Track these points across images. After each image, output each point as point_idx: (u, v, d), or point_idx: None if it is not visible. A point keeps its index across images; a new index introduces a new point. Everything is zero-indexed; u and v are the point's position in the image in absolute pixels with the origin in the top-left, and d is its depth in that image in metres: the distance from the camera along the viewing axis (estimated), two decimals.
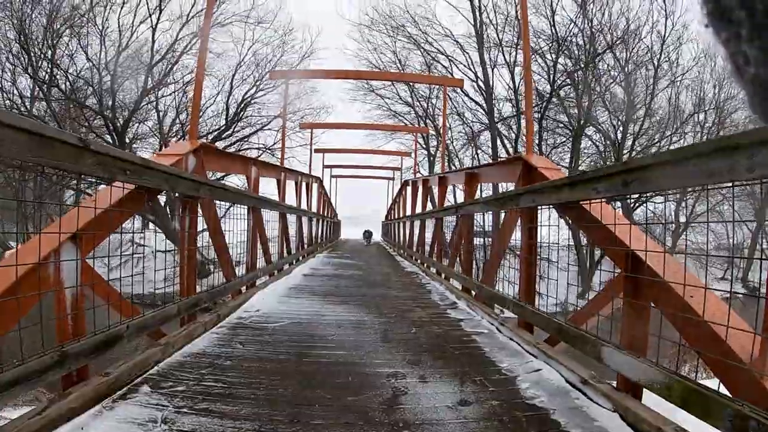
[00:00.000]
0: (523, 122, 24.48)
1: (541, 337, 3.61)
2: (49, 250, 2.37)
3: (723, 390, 1.88)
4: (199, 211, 4.28)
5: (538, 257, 4.21)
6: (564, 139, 25.67)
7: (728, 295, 1.99)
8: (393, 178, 27.64)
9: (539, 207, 3.90)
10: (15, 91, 21.86)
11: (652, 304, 2.42)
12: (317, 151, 21.88)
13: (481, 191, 6.90)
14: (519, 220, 4.39)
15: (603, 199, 2.98)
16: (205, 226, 4.81)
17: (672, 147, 21.15)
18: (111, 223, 2.89)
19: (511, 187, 5.05)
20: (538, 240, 4.08)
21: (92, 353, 2.50)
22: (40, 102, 22.51)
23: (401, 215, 16.18)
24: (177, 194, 3.90)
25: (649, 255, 2.41)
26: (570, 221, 3.62)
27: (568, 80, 25.10)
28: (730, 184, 1.93)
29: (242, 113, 26.06)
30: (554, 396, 2.63)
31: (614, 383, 2.54)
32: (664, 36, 23.98)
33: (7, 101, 21.26)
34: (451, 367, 3.20)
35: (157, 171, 3.21)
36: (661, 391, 2.07)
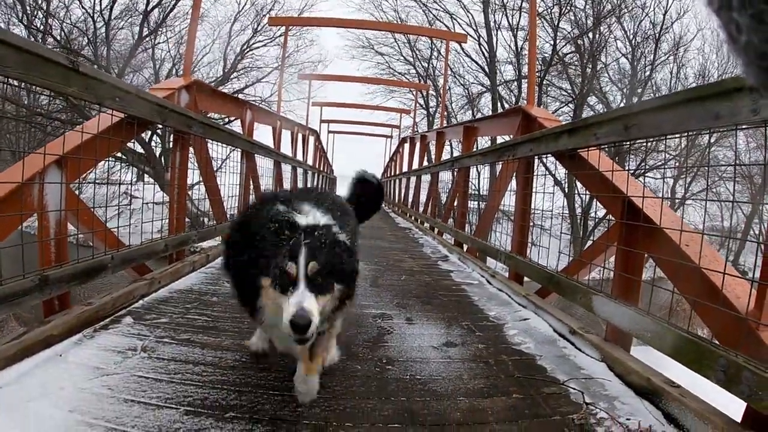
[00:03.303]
0: (525, 84, 24.21)
1: (531, 290, 3.58)
2: (34, 173, 2.30)
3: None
4: (191, 151, 4.19)
5: (531, 223, 4.16)
6: (563, 106, 25.32)
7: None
8: (391, 137, 27.34)
9: (536, 156, 3.83)
10: None
11: (647, 254, 2.37)
12: (315, 104, 21.52)
13: (477, 147, 6.79)
14: (515, 172, 4.33)
15: (601, 147, 2.92)
16: (198, 171, 4.73)
17: None
18: (98, 152, 2.79)
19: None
20: (532, 207, 4.03)
21: (74, 280, 2.46)
22: None
23: (398, 173, 16.09)
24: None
25: (645, 204, 2.35)
26: (568, 171, 3.55)
27: (571, 46, 24.62)
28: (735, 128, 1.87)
29: (239, 63, 25.58)
30: (542, 344, 2.61)
31: (603, 334, 2.52)
32: (667, 6, 23.40)
33: None
34: (438, 312, 3.18)
35: (147, 101, 3.12)
36: (652, 341, 2.03)
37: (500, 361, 2.34)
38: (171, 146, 3.90)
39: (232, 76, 25.33)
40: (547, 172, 3.74)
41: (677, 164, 20.60)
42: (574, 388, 2.04)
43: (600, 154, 2.96)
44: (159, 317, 2.70)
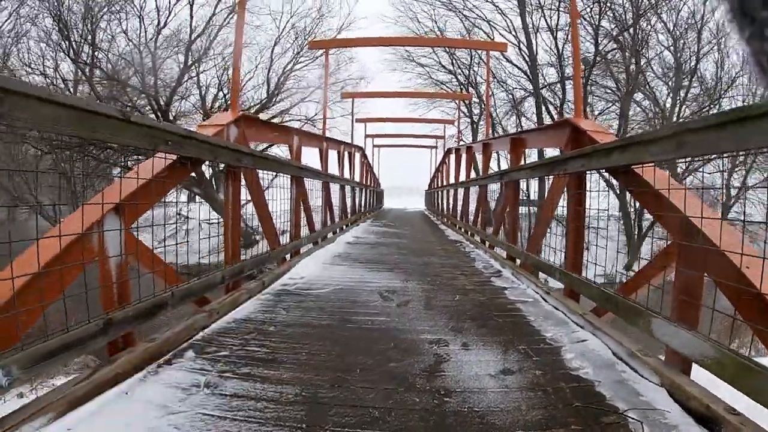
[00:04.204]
0: (569, 86, 23.81)
1: (587, 307, 3.50)
2: (93, 221, 2.41)
3: None
4: (243, 181, 4.30)
5: (585, 226, 4.08)
6: (611, 105, 24.77)
7: None
8: (436, 147, 27.34)
9: (588, 172, 3.76)
10: (58, 76, 22.31)
11: (706, 275, 2.29)
12: (359, 120, 21.78)
13: (525, 158, 6.70)
14: (566, 187, 4.26)
15: (654, 164, 2.84)
16: (249, 197, 4.85)
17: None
18: (153, 194, 2.91)
19: (557, 152, 4.90)
20: (586, 207, 3.95)
21: (136, 320, 2.55)
22: (83, 85, 22.86)
23: (444, 183, 16.05)
24: (221, 165, 3.92)
25: (704, 222, 2.28)
26: (621, 187, 3.45)
27: (613, 43, 24.08)
28: None
29: (283, 86, 26.08)
30: (600, 368, 2.55)
31: (662, 357, 2.44)
32: None
33: (51, 86, 21.79)
34: (494, 335, 3.15)
35: (198, 141, 3.22)
36: (712, 367, 1.97)
37: (558, 389, 2.30)
38: (220, 169, 4.00)
39: (276, 99, 25.84)
40: (607, 187, 3.62)
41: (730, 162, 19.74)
42: (633, 418, 1.98)
43: (656, 171, 2.88)
44: (219, 350, 2.77)
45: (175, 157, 3.01)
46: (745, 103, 21.49)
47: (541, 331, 3.25)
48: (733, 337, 2.07)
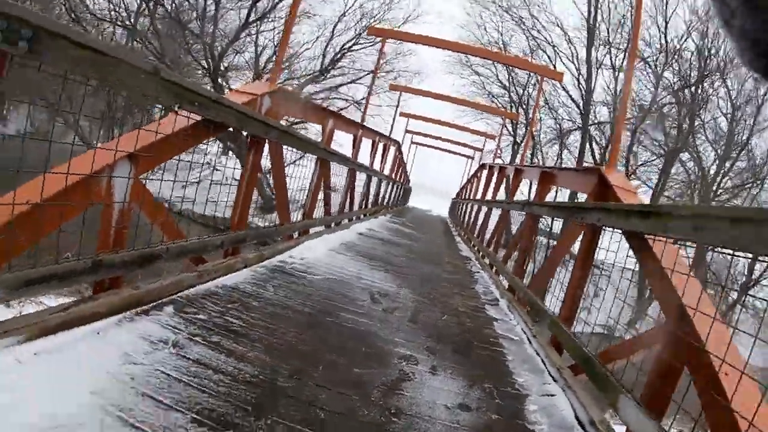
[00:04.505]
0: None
1: (568, 361, 3.46)
2: (104, 164, 2.46)
3: None
4: (266, 149, 4.32)
5: (590, 277, 4.02)
6: (654, 159, 24.45)
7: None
8: (472, 158, 27.25)
9: (603, 228, 3.71)
10: (122, 3, 22.82)
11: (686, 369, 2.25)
12: (403, 114, 21.79)
13: (556, 194, 6.62)
14: (581, 236, 4.21)
15: (669, 239, 2.78)
16: (270, 167, 4.89)
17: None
18: (172, 149, 2.95)
19: (584, 197, 4.84)
20: (597, 255, 3.90)
21: (126, 267, 2.60)
22: (145, 18, 23.33)
23: (471, 197, 15.97)
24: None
25: (697, 314, 2.23)
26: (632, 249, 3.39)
27: (671, 97, 23.72)
28: None
29: (337, 63, 26.16)
30: (557, 428, 2.51)
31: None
32: None
33: (113, 12, 22.26)
34: (466, 366, 3.12)
35: (224, 107, 3.24)
36: None
37: None
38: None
39: (327, 75, 25.93)
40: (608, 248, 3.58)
41: None
42: None
43: (666, 245, 2.82)
44: (198, 312, 2.81)
45: (200, 117, 3.03)
46: None
47: (513, 375, 3.20)
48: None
